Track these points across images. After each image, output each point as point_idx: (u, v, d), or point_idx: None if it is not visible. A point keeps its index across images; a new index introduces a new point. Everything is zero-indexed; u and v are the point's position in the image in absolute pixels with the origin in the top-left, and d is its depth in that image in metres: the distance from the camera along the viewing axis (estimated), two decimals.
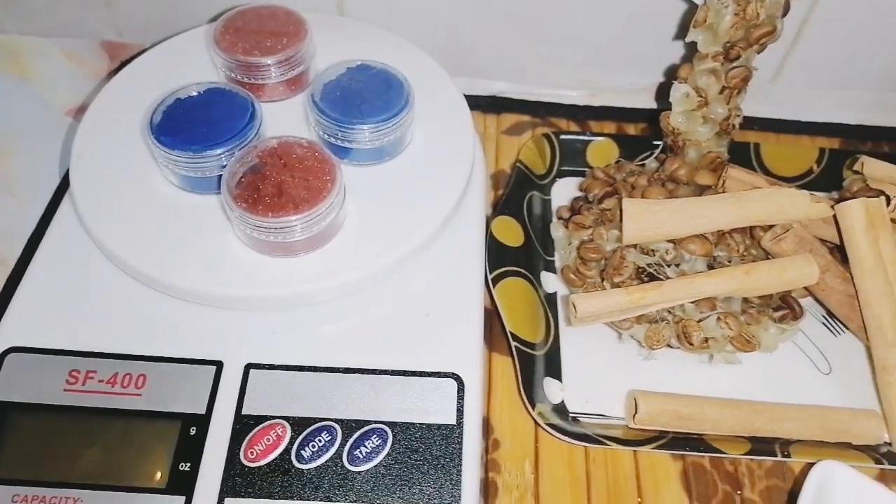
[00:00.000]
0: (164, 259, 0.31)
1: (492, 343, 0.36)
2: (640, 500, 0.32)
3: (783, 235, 0.33)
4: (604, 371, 0.34)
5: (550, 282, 0.38)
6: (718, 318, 0.32)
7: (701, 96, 0.34)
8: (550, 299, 0.37)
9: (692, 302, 0.32)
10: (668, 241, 0.33)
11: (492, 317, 0.36)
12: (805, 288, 0.34)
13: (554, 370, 0.35)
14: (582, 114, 0.47)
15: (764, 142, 0.44)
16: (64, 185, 0.40)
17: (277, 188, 0.31)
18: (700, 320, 0.32)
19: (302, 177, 0.31)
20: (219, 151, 0.32)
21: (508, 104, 0.48)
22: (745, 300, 0.33)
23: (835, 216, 0.32)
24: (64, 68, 0.47)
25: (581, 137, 0.43)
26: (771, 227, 0.34)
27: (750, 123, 0.47)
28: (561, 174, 0.43)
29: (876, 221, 0.31)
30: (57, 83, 0.46)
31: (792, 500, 0.31)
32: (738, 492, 0.32)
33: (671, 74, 0.35)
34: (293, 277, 0.31)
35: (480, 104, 0.47)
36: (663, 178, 0.36)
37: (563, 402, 0.34)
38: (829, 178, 0.42)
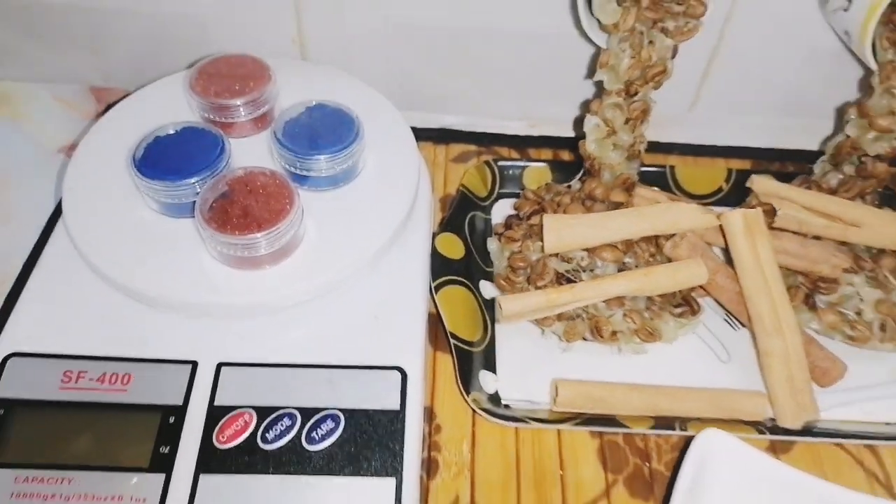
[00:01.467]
0: (146, 274, 0.36)
1: (437, 344, 0.41)
2: (562, 472, 0.37)
3: (679, 242, 0.38)
4: (531, 364, 0.40)
5: (488, 289, 0.43)
6: (625, 315, 0.37)
7: (609, 126, 0.40)
8: (488, 305, 0.42)
9: (604, 301, 0.38)
10: (584, 249, 0.39)
11: (437, 321, 0.41)
12: (703, 288, 0.40)
13: (490, 364, 0.40)
14: (523, 143, 0.53)
15: (682, 164, 0.50)
16: (56, 214, 0.45)
17: (244, 211, 0.36)
18: (609, 316, 0.37)
19: (265, 201, 0.37)
20: (192, 181, 0.37)
21: (456, 135, 0.53)
22: (650, 299, 0.38)
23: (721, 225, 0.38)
24: (55, 111, 0.52)
25: (518, 163, 0.49)
26: (672, 236, 0.39)
27: (670, 149, 0.53)
28: (501, 196, 0.48)
29: (754, 229, 0.37)
30: (48, 124, 0.51)
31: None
32: (647, 463, 0.37)
33: (587, 108, 0.41)
34: (259, 287, 0.36)
35: (432, 136, 0.53)
36: (583, 196, 0.42)
37: (496, 391, 0.39)
38: (737, 195, 0.48)
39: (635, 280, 0.37)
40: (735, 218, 0.37)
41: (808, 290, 0.39)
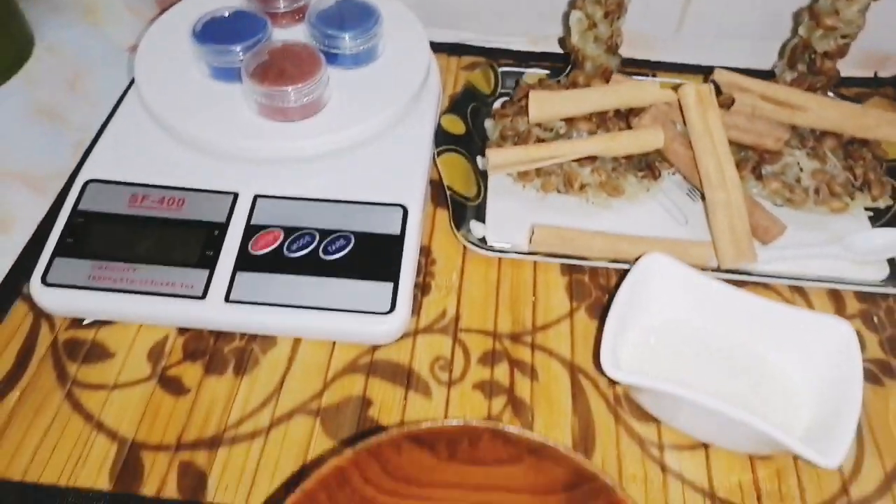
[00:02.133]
0: (198, 124, 0.45)
1: (436, 201, 0.48)
2: (534, 299, 0.44)
3: (643, 115, 0.45)
4: (515, 220, 0.47)
5: (482, 163, 0.50)
6: (592, 170, 0.44)
7: (589, 19, 0.47)
8: (483, 174, 0.49)
9: (576, 161, 0.45)
10: (563, 120, 0.46)
11: (438, 187, 0.48)
12: (663, 156, 0.46)
13: (480, 216, 0.47)
14: (525, 57, 0.60)
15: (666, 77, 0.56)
16: (127, 92, 0.53)
17: (280, 71, 0.44)
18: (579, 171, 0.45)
19: (298, 65, 0.45)
20: (238, 47, 0.45)
21: (468, 49, 0.61)
22: (616, 160, 0.45)
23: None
24: (124, 16, 0.61)
25: (518, 69, 0.56)
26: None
27: (657, 67, 0.59)
28: (501, 95, 0.55)
29: (704, 101, 0.44)
30: (119, 28, 0.61)
31: None
32: (607, 295, 0.44)
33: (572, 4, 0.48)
34: (289, 135, 0.45)
35: (446, 48, 0.60)
36: (568, 84, 0.49)
37: (484, 237, 0.46)
38: None
39: (603, 141, 0.44)
40: (689, 90, 0.44)
41: (755, 162, 0.46)
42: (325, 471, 0.27)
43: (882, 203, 0.46)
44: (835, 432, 0.34)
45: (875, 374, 0.41)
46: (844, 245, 0.45)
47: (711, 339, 0.40)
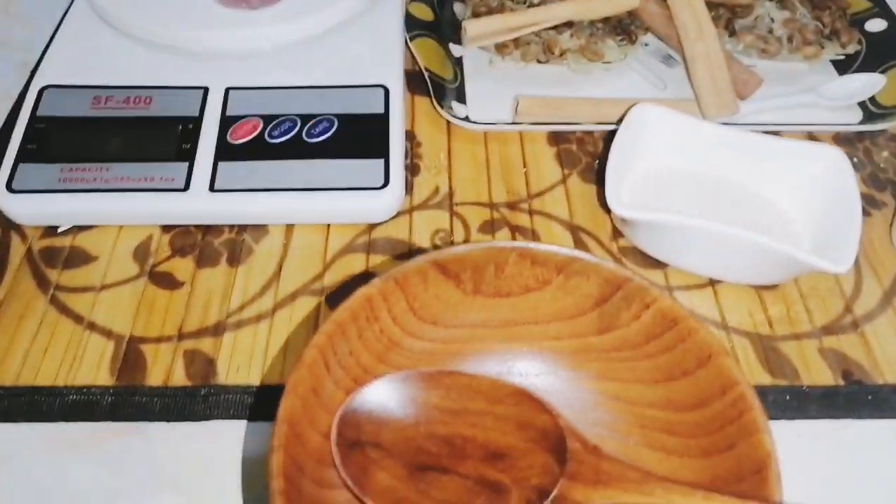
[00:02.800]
0: (155, 18, 0.42)
1: (414, 91, 0.47)
2: (525, 169, 0.43)
3: None
4: (496, 97, 0.46)
5: (457, 50, 0.49)
6: (571, 35, 0.44)
7: None
8: (458, 60, 0.48)
9: (553, 28, 0.44)
10: None
11: (414, 76, 0.47)
12: (640, 18, 0.46)
13: (460, 97, 0.46)
14: None
15: None
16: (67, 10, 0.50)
17: None
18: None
19: None
20: None
21: None
22: (593, 24, 0.45)
23: None
24: None
25: None
26: None
27: None
28: None
29: None
30: None
31: None
32: (597, 160, 0.44)
33: None
34: (251, 23, 0.43)
35: None
36: None
37: (466, 116, 0.45)
38: None
39: (579, 4, 0.43)
40: None
41: (727, 18, 0.46)
42: (355, 301, 0.26)
43: (851, 49, 0.47)
44: (838, 244, 0.35)
45: (862, 207, 0.42)
46: (819, 93, 0.46)
47: (707, 180, 0.40)
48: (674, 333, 0.27)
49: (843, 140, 0.45)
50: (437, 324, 0.30)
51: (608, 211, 0.41)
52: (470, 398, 0.27)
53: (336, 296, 0.37)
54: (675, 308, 0.27)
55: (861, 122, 0.45)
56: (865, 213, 0.42)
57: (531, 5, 0.45)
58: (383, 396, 0.27)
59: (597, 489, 0.23)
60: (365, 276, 0.38)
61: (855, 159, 0.45)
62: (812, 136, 0.45)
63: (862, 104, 0.46)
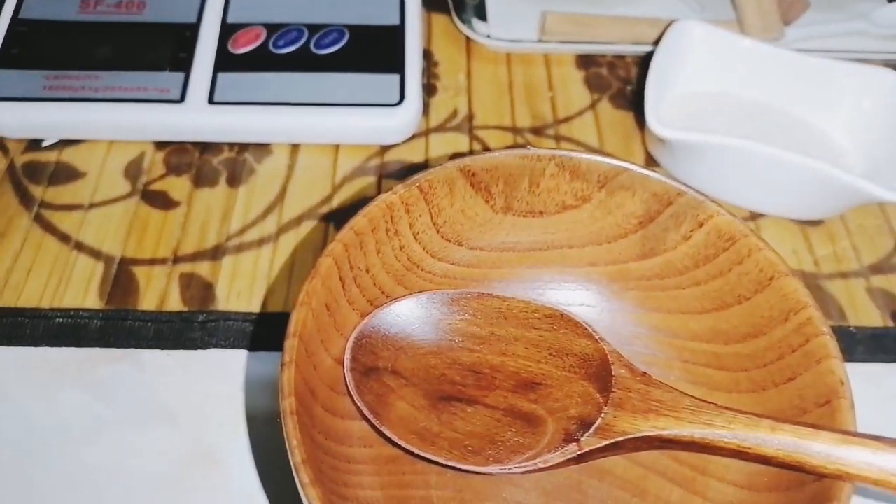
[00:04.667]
0: None
1: (431, 8, 0.43)
2: (551, 93, 0.40)
3: None
4: (518, 12, 0.42)
5: None
6: None
7: None
8: None
9: None
10: None
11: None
12: None
13: (481, 14, 0.42)
14: None
15: None
16: None
17: None
18: None
19: None
20: None
21: None
22: None
23: None
24: None
25: None
26: None
27: None
28: None
29: None
30: None
31: None
32: (629, 86, 0.40)
33: None
34: None
35: None
36: None
37: (488, 34, 0.41)
38: None
39: None
40: None
41: None
42: (375, 207, 0.23)
43: None
44: (894, 170, 0.32)
45: None
46: (869, 20, 0.42)
47: (751, 106, 0.37)
48: (730, 254, 0.24)
49: (894, 70, 0.42)
50: (461, 244, 0.27)
51: (643, 135, 0.38)
52: (499, 323, 0.24)
53: (345, 218, 0.34)
54: (734, 224, 0.24)
55: None
56: None
57: None
58: (402, 319, 0.24)
59: (648, 418, 0.20)
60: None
61: None
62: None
63: None
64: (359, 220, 0.23)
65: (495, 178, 0.25)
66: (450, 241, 0.26)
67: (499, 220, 0.27)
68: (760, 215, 0.35)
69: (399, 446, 0.22)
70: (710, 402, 0.20)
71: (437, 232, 0.26)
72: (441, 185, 0.24)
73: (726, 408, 0.20)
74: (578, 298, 0.28)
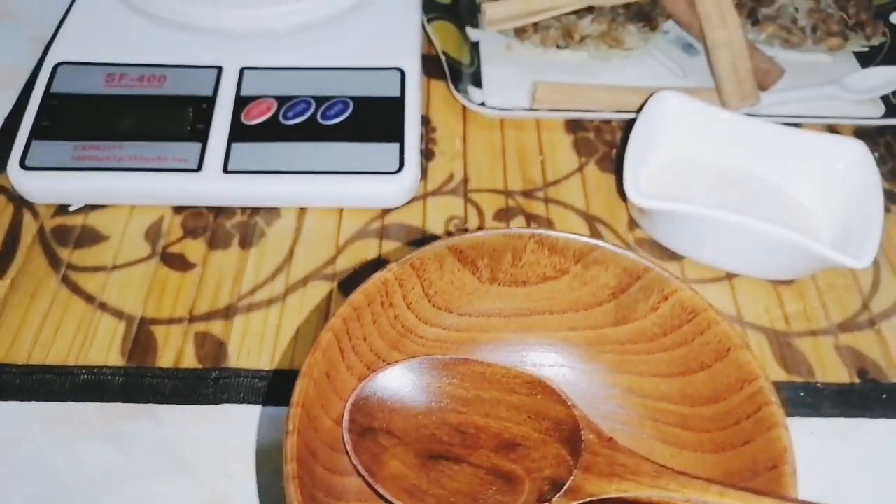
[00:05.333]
0: None
1: (430, 75, 0.47)
2: (542, 156, 0.43)
3: None
4: (512, 82, 0.45)
5: (474, 34, 0.48)
6: (592, 20, 0.43)
7: None
8: (475, 44, 0.48)
9: (574, 13, 0.43)
10: None
11: (431, 60, 0.46)
12: (661, 5, 0.45)
13: (476, 82, 0.45)
14: None
15: None
16: None
17: None
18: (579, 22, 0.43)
19: None
20: None
21: None
22: (614, 10, 0.44)
23: None
24: None
25: None
26: None
27: None
28: None
29: None
30: None
31: None
32: (614, 150, 0.43)
33: None
34: (269, 3, 0.42)
35: None
36: None
37: (483, 101, 0.44)
38: None
39: None
40: None
41: (751, 6, 0.45)
42: (371, 285, 0.26)
43: (875, 41, 0.46)
44: (859, 239, 0.34)
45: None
46: (841, 85, 0.45)
47: (726, 172, 0.39)
48: (692, 325, 0.27)
49: (865, 134, 0.45)
50: (451, 311, 0.29)
51: (625, 201, 0.40)
52: (484, 387, 0.27)
53: (348, 281, 0.37)
54: (695, 299, 0.26)
55: (884, 116, 0.44)
56: (885, 209, 0.41)
57: None
58: (396, 383, 0.26)
59: (611, 481, 0.22)
60: (377, 263, 0.38)
61: (876, 154, 0.44)
62: (833, 130, 0.44)
63: (885, 98, 0.45)
64: (357, 297, 0.25)
65: (481, 254, 0.28)
66: (440, 308, 0.29)
67: (485, 289, 0.29)
68: (735, 275, 0.38)
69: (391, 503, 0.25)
70: (667, 468, 0.22)
71: (429, 301, 0.29)
72: (431, 262, 0.27)
73: (682, 473, 0.22)
74: (559, 360, 0.30)
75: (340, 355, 0.25)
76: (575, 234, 0.28)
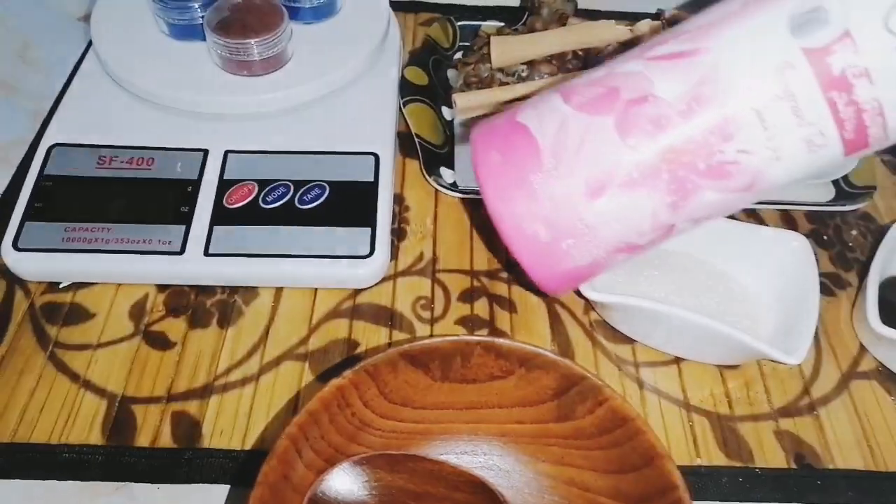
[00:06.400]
0: (163, 82, 0.45)
1: (405, 152, 0.49)
2: None
3: (608, 49, 0.47)
4: None
5: (448, 113, 0.51)
6: None
7: None
8: (448, 123, 0.50)
9: None
10: (524, 64, 0.47)
11: (405, 138, 0.49)
12: None
13: (449, 163, 0.48)
14: (480, 11, 0.61)
15: None
16: (82, 58, 0.52)
17: (242, 24, 0.44)
18: None
19: (260, 18, 0.45)
20: (198, 4, 0.45)
21: (424, 6, 0.61)
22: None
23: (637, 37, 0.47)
24: None
25: (473, 22, 0.57)
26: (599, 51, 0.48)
27: (609, 16, 0.61)
28: (460, 48, 0.56)
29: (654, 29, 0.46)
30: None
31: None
32: None
33: None
34: (254, 90, 0.45)
35: (402, 6, 0.61)
36: (526, 31, 0.50)
37: (454, 182, 0.47)
38: None
39: (563, 81, 0.45)
40: (644, 27, 0.45)
41: None
42: (328, 392, 0.28)
43: None
44: (796, 334, 0.37)
45: (828, 286, 0.44)
46: None
47: (676, 261, 0.42)
48: (624, 430, 0.29)
49: (816, 216, 0.47)
50: (406, 405, 0.32)
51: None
52: (432, 483, 0.29)
53: (318, 360, 0.39)
54: (624, 407, 0.29)
55: (832, 201, 0.47)
56: (830, 293, 0.44)
57: (520, 79, 0.47)
58: (348, 480, 0.29)
59: None
60: (347, 342, 0.40)
61: (825, 237, 0.47)
62: (786, 213, 0.47)
63: (835, 182, 0.48)
64: (313, 404, 0.28)
65: (432, 358, 0.30)
66: (396, 403, 0.31)
67: (438, 386, 0.32)
68: (683, 360, 0.40)
69: None
70: None
71: (385, 398, 0.31)
72: (385, 366, 0.30)
73: None
74: (508, 450, 0.33)
75: (298, 456, 0.28)
76: (518, 342, 0.30)
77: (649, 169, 0.30)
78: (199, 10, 0.45)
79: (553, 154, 0.31)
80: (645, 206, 0.31)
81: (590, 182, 0.30)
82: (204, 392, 0.37)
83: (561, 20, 0.50)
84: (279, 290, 0.42)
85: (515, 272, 0.43)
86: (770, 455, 0.37)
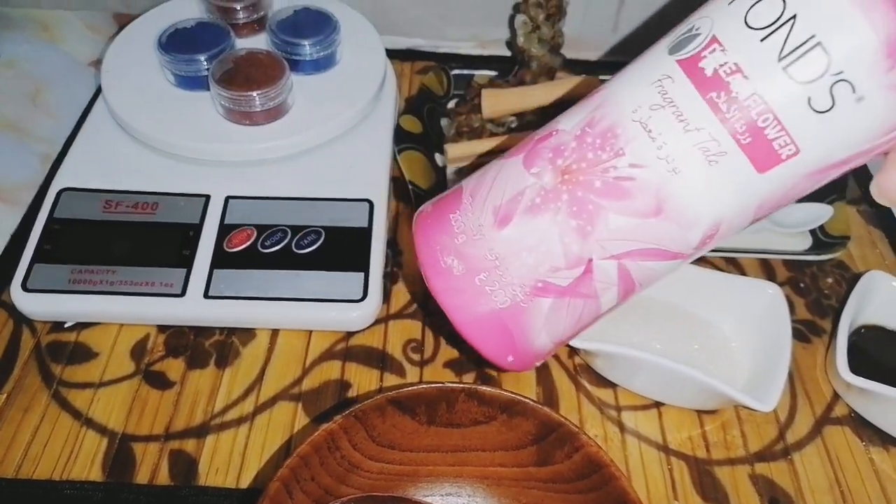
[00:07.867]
0: (169, 130, 0.47)
1: (398, 199, 0.51)
2: None
3: None
4: None
5: (441, 159, 0.53)
6: None
7: (533, 22, 0.51)
8: (441, 169, 0.53)
9: None
10: (514, 115, 0.49)
11: (400, 184, 0.51)
12: None
13: None
14: (474, 61, 0.64)
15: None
16: (92, 103, 0.55)
17: (245, 77, 0.46)
18: None
19: (262, 71, 0.47)
20: (204, 56, 0.47)
21: (420, 54, 0.64)
22: None
23: None
24: (84, 34, 0.62)
25: (467, 71, 0.59)
26: None
27: (597, 66, 0.64)
28: (454, 97, 0.59)
29: None
30: (79, 45, 0.62)
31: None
32: None
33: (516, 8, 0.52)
34: (255, 138, 0.47)
35: (399, 55, 0.63)
36: (516, 83, 0.53)
37: None
38: None
39: None
40: None
41: None
42: (318, 436, 0.30)
43: None
44: (769, 381, 0.38)
45: (804, 332, 0.46)
46: (772, 220, 0.50)
47: (658, 308, 0.43)
48: (599, 476, 0.30)
49: (794, 265, 0.49)
50: (393, 448, 0.33)
51: None
52: None
53: (311, 400, 0.41)
54: (599, 454, 0.30)
55: (808, 250, 0.49)
56: (806, 340, 0.45)
57: (510, 130, 0.49)
58: None
59: None
60: (340, 383, 0.41)
61: (802, 284, 0.48)
62: (765, 262, 0.49)
63: (812, 231, 0.50)
64: (304, 448, 0.29)
65: (418, 403, 0.32)
66: (384, 446, 0.33)
67: (424, 430, 0.33)
68: (663, 404, 0.42)
69: None
70: None
71: (373, 441, 0.32)
72: (373, 412, 0.31)
73: None
74: (491, 492, 0.34)
75: (289, 497, 0.29)
76: (500, 389, 0.32)
77: (550, 193, 0.31)
78: (204, 63, 0.48)
79: (471, 193, 0.33)
80: (551, 231, 0.31)
81: (497, 211, 0.32)
82: (201, 431, 0.39)
83: (549, 73, 0.53)
84: (275, 331, 0.44)
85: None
86: (745, 499, 0.38)
